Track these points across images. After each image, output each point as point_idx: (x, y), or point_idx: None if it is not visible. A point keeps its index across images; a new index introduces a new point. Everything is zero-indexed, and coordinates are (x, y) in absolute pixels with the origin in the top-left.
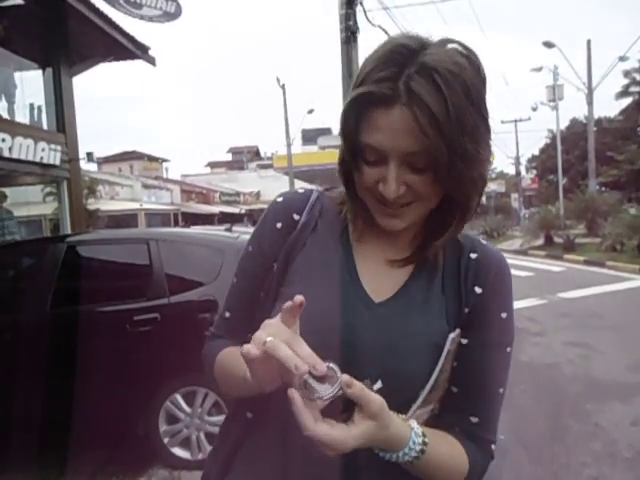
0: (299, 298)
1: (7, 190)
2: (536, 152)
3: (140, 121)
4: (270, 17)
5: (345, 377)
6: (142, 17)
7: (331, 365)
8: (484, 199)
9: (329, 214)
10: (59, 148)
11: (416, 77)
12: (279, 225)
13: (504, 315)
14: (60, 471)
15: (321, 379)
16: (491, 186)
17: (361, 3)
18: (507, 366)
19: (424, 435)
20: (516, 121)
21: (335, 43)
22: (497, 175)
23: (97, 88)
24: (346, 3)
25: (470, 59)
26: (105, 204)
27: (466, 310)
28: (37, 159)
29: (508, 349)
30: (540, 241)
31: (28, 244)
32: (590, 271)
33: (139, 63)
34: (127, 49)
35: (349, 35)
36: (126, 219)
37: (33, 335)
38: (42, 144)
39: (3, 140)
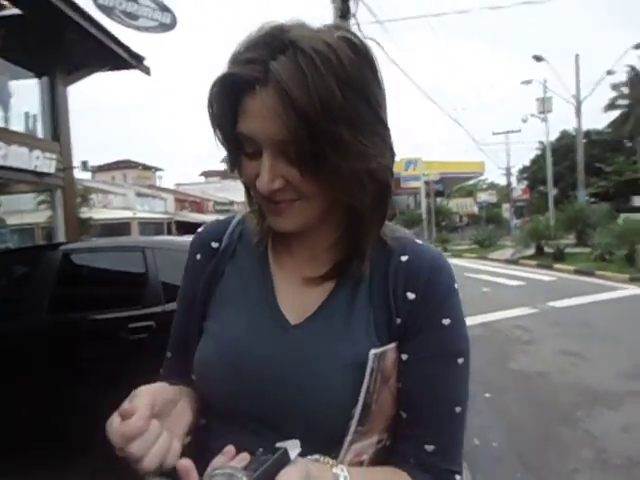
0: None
1: (0, 198)
2: (527, 163)
3: (134, 130)
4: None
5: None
6: (138, 28)
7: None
8: (475, 209)
9: (250, 237)
10: (54, 156)
11: (280, 57)
12: (198, 256)
13: (446, 322)
14: None
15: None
16: (482, 196)
17: (354, 16)
18: (462, 381)
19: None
20: (507, 132)
21: None
22: (488, 185)
23: (90, 96)
24: (340, 16)
25: (353, 44)
26: (98, 212)
27: (398, 320)
28: (32, 167)
29: (459, 360)
30: (531, 251)
31: (24, 252)
32: (580, 280)
33: (134, 73)
34: (123, 59)
35: None
36: (119, 227)
37: (29, 342)
38: (37, 152)
39: None
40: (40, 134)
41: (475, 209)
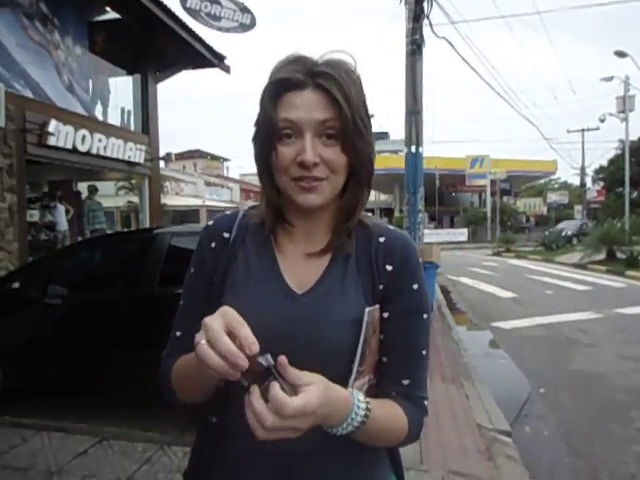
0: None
1: (96, 184)
2: (604, 163)
3: (204, 121)
4: (338, 24)
5: (281, 360)
6: (220, 29)
7: (267, 357)
8: (545, 210)
9: (255, 228)
10: (143, 148)
11: (323, 67)
12: (213, 244)
13: (415, 286)
14: (156, 421)
15: (250, 373)
16: (553, 197)
17: (427, 17)
18: (426, 330)
19: (365, 399)
20: (583, 130)
21: (398, 50)
22: (560, 185)
23: (166, 90)
24: (413, 18)
25: (357, 68)
26: (171, 199)
27: (381, 287)
28: (125, 157)
29: (425, 315)
30: (602, 256)
31: (139, 233)
32: None
33: (215, 70)
34: (206, 58)
35: (414, 48)
36: (189, 214)
37: (143, 308)
38: (130, 144)
39: (100, 140)
40: (132, 127)
41: (544, 210)
